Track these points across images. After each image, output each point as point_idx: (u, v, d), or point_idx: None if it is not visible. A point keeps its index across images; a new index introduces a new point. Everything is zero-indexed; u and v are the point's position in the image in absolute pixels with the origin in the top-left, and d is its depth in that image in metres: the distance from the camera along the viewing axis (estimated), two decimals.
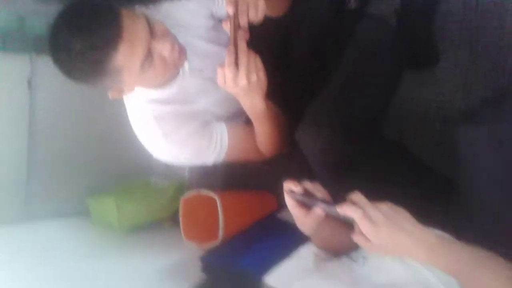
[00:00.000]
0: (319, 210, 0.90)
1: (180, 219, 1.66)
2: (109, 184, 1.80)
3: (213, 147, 1.24)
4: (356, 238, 0.84)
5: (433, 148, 0.99)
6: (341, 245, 1.06)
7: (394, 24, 1.21)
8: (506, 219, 0.86)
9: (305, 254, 1.08)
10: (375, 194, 0.83)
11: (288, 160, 1.31)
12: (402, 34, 1.16)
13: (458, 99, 0.92)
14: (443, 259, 0.80)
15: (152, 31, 1.03)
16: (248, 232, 1.57)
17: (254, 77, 0.99)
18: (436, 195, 0.95)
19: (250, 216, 1.63)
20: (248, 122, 1.28)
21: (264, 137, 1.24)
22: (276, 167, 1.33)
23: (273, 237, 1.41)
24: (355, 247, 1.07)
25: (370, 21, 1.10)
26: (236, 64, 0.98)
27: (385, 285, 0.93)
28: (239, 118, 1.34)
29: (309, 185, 0.93)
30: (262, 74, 1.01)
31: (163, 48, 1.05)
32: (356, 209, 0.81)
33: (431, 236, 0.80)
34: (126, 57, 1.00)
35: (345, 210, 0.82)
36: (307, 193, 0.93)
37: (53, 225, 1.77)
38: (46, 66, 1.07)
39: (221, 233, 1.55)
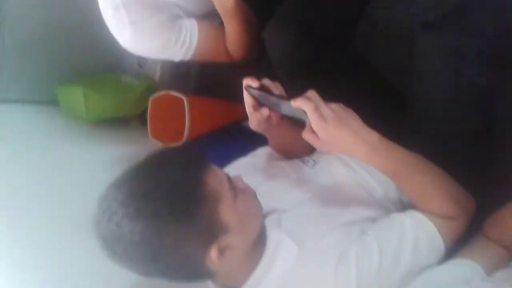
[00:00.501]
0: (265, 109, 0.92)
1: (148, 117, 1.68)
2: (80, 76, 1.79)
3: (181, 42, 1.24)
4: (305, 134, 0.86)
5: (396, 60, 0.99)
6: (296, 149, 1.10)
7: None
8: (449, 133, 0.90)
9: (260, 153, 1.12)
10: (330, 98, 0.85)
11: (256, 66, 1.31)
12: None
13: (432, 13, 0.91)
14: (382, 159, 0.85)
15: None
16: (212, 135, 1.61)
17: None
18: (388, 107, 0.98)
19: (216, 121, 1.66)
20: (220, 24, 1.27)
21: (233, 36, 1.24)
22: (244, 74, 1.33)
23: (235, 141, 1.44)
24: (308, 152, 1.11)
25: None
26: None
27: (328, 184, 0.99)
28: (211, 18, 1.32)
29: (268, 82, 0.94)
30: None
31: None
32: (309, 102, 0.83)
33: (374, 137, 0.84)
34: None
35: (297, 102, 0.84)
36: (265, 89, 0.94)
37: (21, 110, 1.77)
38: None
39: (186, 133, 1.59)
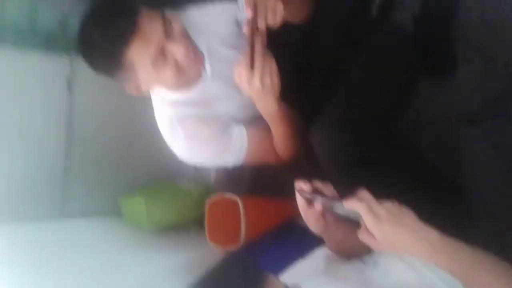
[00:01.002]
0: (318, 205, 0.93)
1: (205, 221, 1.71)
2: (141, 185, 1.87)
3: (232, 149, 1.29)
4: (361, 235, 0.86)
5: (444, 152, 0.99)
6: (354, 249, 1.08)
7: (412, 30, 1.22)
8: (505, 219, 0.86)
9: (318, 256, 1.10)
10: (381, 194, 0.85)
11: (305, 164, 1.33)
12: (419, 40, 1.17)
13: (474, 106, 0.92)
14: (444, 258, 0.81)
15: (168, 32, 1.09)
16: (268, 236, 1.60)
17: (267, 80, 1.03)
18: (441, 199, 0.95)
19: (272, 220, 1.66)
20: (268, 127, 1.32)
21: (280, 138, 1.27)
22: (295, 171, 1.36)
23: (291, 241, 1.43)
24: (367, 252, 1.09)
25: (388, 27, 1.12)
26: (252, 66, 1.02)
27: (393, 286, 0.95)
28: (259, 123, 1.38)
29: (319, 184, 0.95)
30: (275, 77, 1.04)
31: (176, 51, 1.11)
32: (362, 203, 0.83)
33: (433, 234, 0.81)
34: (137, 53, 1.07)
35: (350, 203, 0.84)
36: (317, 192, 0.96)
37: (87, 224, 1.85)
38: (85, 67, 1.14)
39: (242, 236, 1.59)
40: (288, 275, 1.04)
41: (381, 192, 0.85)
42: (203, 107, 1.29)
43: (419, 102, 1.10)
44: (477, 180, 0.86)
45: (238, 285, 0.78)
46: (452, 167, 0.94)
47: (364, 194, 0.85)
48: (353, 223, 0.91)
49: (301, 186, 0.96)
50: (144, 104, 1.37)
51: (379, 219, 0.82)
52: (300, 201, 0.97)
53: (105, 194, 1.88)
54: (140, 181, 1.90)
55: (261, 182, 1.81)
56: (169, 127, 1.30)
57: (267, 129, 1.33)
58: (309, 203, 0.96)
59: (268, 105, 1.15)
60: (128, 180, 1.90)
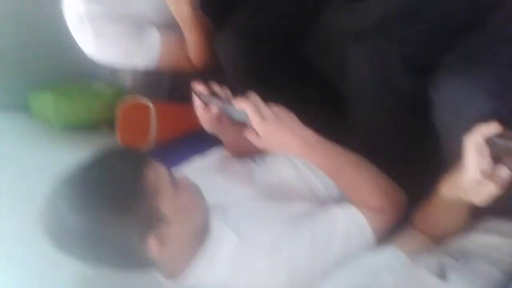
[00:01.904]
0: (214, 107, 0.99)
1: (116, 123, 1.74)
2: (52, 83, 1.84)
3: (143, 50, 1.31)
4: (248, 133, 0.93)
5: (337, 66, 1.06)
6: (246, 150, 1.17)
7: None
8: (375, 127, 0.97)
9: (213, 153, 1.18)
10: (271, 99, 0.92)
11: (217, 73, 1.38)
12: None
13: (363, 24, 0.98)
14: (318, 156, 0.92)
15: None
16: (178, 141, 1.67)
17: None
18: (325, 107, 1.05)
19: (184, 127, 1.72)
20: (182, 34, 1.34)
21: (193, 45, 1.31)
22: (205, 79, 1.40)
23: (193, 140, 1.50)
24: (259, 153, 1.18)
25: None
26: None
27: (274, 182, 1.06)
28: (174, 30, 1.39)
29: (216, 87, 1.01)
30: None
31: None
32: (250, 104, 0.90)
33: (310, 135, 0.92)
34: None
35: (240, 103, 0.91)
36: (214, 94, 1.01)
37: None
38: None
39: (152, 139, 1.65)
40: (183, 167, 1.12)
41: (271, 96, 0.92)
42: (118, 5, 1.28)
43: (327, 19, 1.16)
44: (357, 93, 0.96)
45: (119, 165, 0.83)
46: (340, 80, 1.03)
47: (253, 96, 0.92)
48: (245, 126, 0.98)
49: (198, 88, 1.01)
50: None
51: (264, 119, 0.90)
52: (197, 102, 1.02)
53: (14, 89, 1.83)
54: (53, 79, 1.86)
55: (178, 89, 1.85)
56: (78, 24, 1.28)
57: (181, 36, 1.36)
58: (205, 105, 1.01)
59: (181, 8, 1.17)
60: (39, 76, 1.85)
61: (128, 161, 0.84)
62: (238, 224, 0.93)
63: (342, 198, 1.05)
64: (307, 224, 0.92)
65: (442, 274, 0.75)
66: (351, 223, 0.91)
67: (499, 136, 0.67)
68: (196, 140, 1.60)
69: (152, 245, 0.82)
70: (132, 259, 0.84)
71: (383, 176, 0.96)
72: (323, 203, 1.02)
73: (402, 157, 1.01)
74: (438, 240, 0.92)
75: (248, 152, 1.16)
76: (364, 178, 0.93)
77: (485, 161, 0.68)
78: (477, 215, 0.91)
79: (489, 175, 0.68)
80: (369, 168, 0.95)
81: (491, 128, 0.67)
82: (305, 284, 0.85)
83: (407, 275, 0.78)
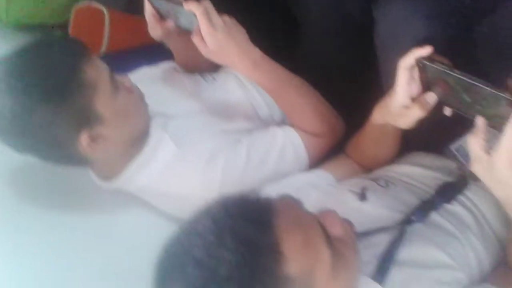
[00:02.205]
0: (170, 24, 0.94)
1: (70, 27, 1.67)
2: None
3: None
4: (195, 38, 0.89)
5: None
6: (198, 64, 1.15)
7: None
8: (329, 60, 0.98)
9: (162, 65, 1.17)
10: (225, 11, 0.89)
11: None
12: None
13: None
14: (262, 75, 0.92)
15: None
16: (133, 52, 1.63)
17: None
18: (278, 27, 1.04)
19: (137, 39, 1.67)
20: None
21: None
22: None
23: (148, 57, 1.48)
24: (209, 70, 1.18)
25: None
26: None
27: (220, 99, 1.07)
28: None
29: None
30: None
31: None
32: (200, 6, 0.85)
33: (257, 53, 0.91)
34: None
35: (190, 5, 0.85)
36: None
37: None
38: None
39: (104, 45, 1.60)
40: (130, 75, 1.10)
41: (225, 10, 0.90)
42: None
43: None
44: (310, 15, 0.95)
45: (56, 53, 0.80)
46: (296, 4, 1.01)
47: (206, 2, 0.87)
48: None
49: None
50: None
51: (214, 27, 0.85)
52: (148, 7, 0.97)
53: None
54: None
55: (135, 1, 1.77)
56: None
57: None
58: (154, 9, 0.96)
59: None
60: None
61: (67, 52, 0.81)
62: (179, 134, 0.94)
63: (284, 122, 1.08)
64: (246, 138, 0.94)
65: (362, 196, 0.80)
66: (288, 142, 0.94)
67: (431, 60, 0.68)
68: (148, 53, 1.59)
69: (84, 142, 0.81)
70: (63, 153, 0.84)
71: (325, 102, 0.98)
72: (264, 124, 1.04)
73: (347, 86, 1.03)
74: (368, 168, 0.97)
75: (197, 68, 1.15)
76: (305, 102, 0.95)
77: (415, 85, 0.70)
78: (404, 149, 0.96)
79: (417, 100, 0.70)
80: (311, 93, 0.97)
81: (423, 51, 0.68)
82: (239, 188, 0.87)
83: (331, 194, 0.83)
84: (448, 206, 0.81)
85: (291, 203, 0.58)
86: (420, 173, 0.89)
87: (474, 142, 0.64)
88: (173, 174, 0.91)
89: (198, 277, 0.50)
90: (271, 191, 0.84)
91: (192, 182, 0.89)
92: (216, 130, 0.97)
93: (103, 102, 0.81)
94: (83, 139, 0.81)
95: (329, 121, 0.98)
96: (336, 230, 0.59)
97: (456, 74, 0.65)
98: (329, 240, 0.56)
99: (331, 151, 1.00)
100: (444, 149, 0.86)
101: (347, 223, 0.63)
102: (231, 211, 0.52)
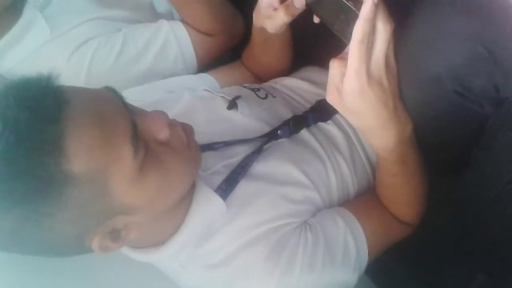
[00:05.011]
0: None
1: None
2: None
3: None
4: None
5: None
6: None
7: None
8: None
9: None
10: None
11: None
12: None
13: None
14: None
15: None
16: None
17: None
18: None
19: None
20: None
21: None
22: None
23: None
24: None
25: None
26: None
27: None
28: None
29: None
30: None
31: None
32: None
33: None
34: None
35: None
36: None
37: None
38: None
39: None
40: None
41: None
42: None
43: None
44: None
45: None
46: None
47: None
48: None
49: None
50: None
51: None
52: None
53: None
54: None
55: None
56: None
57: None
58: None
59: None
60: None
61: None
62: (56, 17, 0.85)
63: None
64: (127, 28, 0.87)
65: (232, 104, 0.75)
66: (172, 37, 0.88)
67: None
68: None
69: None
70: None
71: (225, 2, 0.90)
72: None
73: None
74: (260, 77, 0.91)
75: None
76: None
77: None
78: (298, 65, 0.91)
79: (285, 4, 0.64)
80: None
81: None
82: (106, 80, 0.76)
83: (203, 98, 0.77)
84: (322, 125, 0.78)
85: (105, 95, 0.52)
86: (304, 88, 0.84)
87: (335, 67, 0.57)
88: (42, 56, 0.83)
89: None
90: (140, 90, 0.78)
91: (59, 66, 0.81)
92: (96, 16, 0.87)
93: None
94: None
95: (223, 19, 0.90)
96: (160, 133, 0.53)
97: None
98: (136, 140, 0.50)
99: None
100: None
101: (187, 129, 0.58)
102: (12, 95, 0.45)
